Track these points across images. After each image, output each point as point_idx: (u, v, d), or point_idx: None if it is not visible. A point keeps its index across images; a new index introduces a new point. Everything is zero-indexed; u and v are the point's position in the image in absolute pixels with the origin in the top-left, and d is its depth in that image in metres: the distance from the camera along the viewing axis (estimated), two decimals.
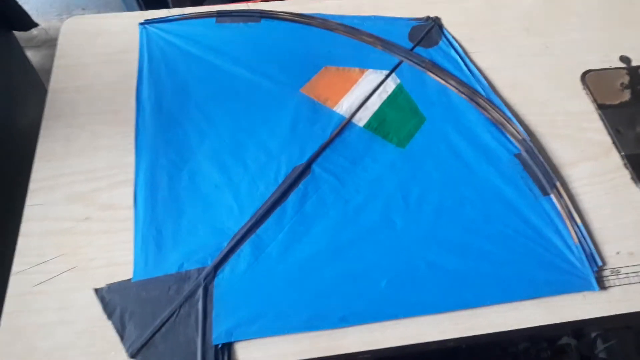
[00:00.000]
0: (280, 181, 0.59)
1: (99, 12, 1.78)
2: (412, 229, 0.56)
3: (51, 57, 0.69)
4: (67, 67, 0.68)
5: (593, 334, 0.71)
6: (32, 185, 0.58)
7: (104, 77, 0.68)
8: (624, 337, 0.73)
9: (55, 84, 0.67)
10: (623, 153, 0.63)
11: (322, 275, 0.53)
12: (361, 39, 0.72)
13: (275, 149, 0.61)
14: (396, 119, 0.65)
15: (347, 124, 0.64)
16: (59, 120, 0.63)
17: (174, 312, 0.50)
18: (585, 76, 0.70)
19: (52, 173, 0.59)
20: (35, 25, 1.52)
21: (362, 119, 0.64)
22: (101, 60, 0.69)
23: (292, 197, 0.58)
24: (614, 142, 0.64)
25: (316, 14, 0.74)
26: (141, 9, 1.31)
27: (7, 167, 0.80)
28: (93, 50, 0.70)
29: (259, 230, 0.55)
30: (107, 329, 0.49)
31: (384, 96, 0.67)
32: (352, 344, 0.50)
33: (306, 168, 0.60)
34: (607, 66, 0.72)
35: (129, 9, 1.34)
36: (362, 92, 0.67)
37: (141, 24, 0.73)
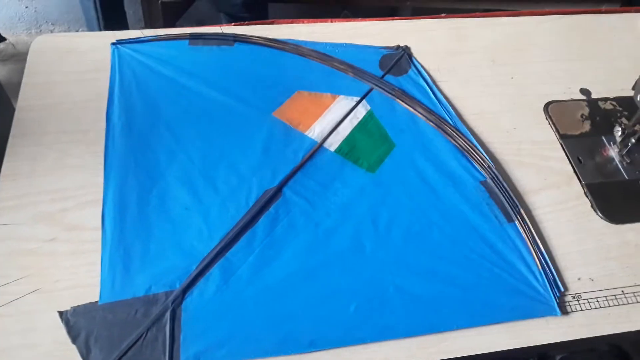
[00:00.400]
0: (251, 204, 0.59)
1: (68, 27, 1.77)
2: (381, 253, 0.57)
3: (18, 72, 0.69)
4: (36, 84, 0.68)
5: (558, 357, 0.73)
6: None
7: (73, 96, 0.67)
8: (586, 359, 0.75)
9: (24, 101, 0.66)
10: (584, 182, 0.65)
11: (292, 299, 0.53)
12: (333, 65, 0.73)
13: (247, 172, 0.62)
14: (366, 145, 0.66)
15: (318, 148, 0.65)
16: (25, 138, 0.62)
17: (140, 336, 0.49)
18: (548, 107, 0.73)
19: (18, 192, 0.58)
20: (3, 39, 1.50)
21: (333, 143, 0.65)
22: (71, 79, 0.69)
23: (263, 220, 0.58)
24: (575, 171, 0.66)
25: (289, 39, 0.75)
26: (99, 26, 1.31)
27: None
28: (63, 69, 0.70)
29: (228, 254, 0.55)
30: (71, 353, 0.48)
31: (355, 122, 0.68)
32: None
33: (277, 191, 0.60)
34: (568, 98, 0.75)
35: (89, 25, 1.34)
36: (333, 118, 0.68)
37: (113, 43, 0.72)
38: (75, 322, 0.49)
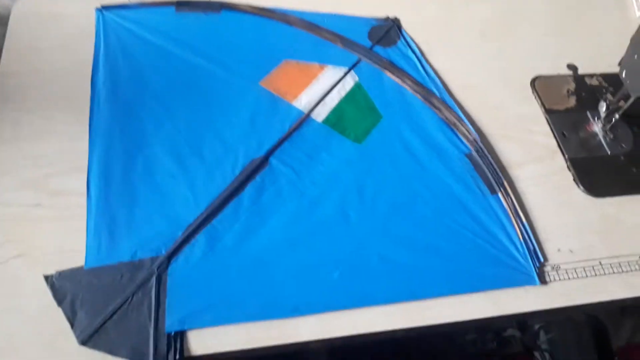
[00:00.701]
0: (237, 173, 0.59)
1: None
2: (365, 222, 0.58)
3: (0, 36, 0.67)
4: (18, 50, 0.67)
5: (536, 326, 0.74)
6: None
7: (57, 62, 0.66)
8: (564, 329, 0.77)
9: (6, 67, 0.65)
10: (567, 156, 0.66)
11: (277, 265, 0.54)
12: (321, 35, 0.72)
13: (233, 141, 0.62)
14: (354, 116, 0.66)
15: (305, 118, 0.65)
16: (8, 103, 0.62)
17: (126, 300, 0.49)
18: (534, 82, 0.73)
19: (0, 157, 0.57)
20: None
21: (320, 114, 0.65)
22: (55, 45, 0.68)
23: (249, 188, 0.58)
24: (559, 146, 0.67)
25: (277, 8, 0.75)
26: None
27: None
28: (46, 34, 0.69)
29: (214, 221, 0.56)
30: (58, 317, 0.48)
31: (343, 93, 0.68)
32: (304, 333, 0.50)
33: (264, 161, 0.60)
34: (555, 73, 0.75)
35: None
36: (321, 88, 0.68)
37: (98, 9, 0.71)
38: (61, 286, 0.50)
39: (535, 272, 0.56)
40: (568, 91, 0.73)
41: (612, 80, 0.74)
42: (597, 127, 0.70)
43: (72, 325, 0.48)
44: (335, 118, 0.65)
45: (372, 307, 0.52)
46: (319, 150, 0.62)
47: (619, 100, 0.67)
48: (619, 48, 0.67)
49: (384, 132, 0.65)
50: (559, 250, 0.59)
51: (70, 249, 0.52)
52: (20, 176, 0.56)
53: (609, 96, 0.73)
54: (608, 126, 0.69)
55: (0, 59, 0.65)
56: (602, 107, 0.69)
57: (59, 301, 0.49)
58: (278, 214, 0.57)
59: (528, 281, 0.55)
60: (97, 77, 0.65)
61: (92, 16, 0.71)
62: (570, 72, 0.75)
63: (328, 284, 0.53)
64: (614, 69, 0.71)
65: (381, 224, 0.58)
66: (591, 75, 0.75)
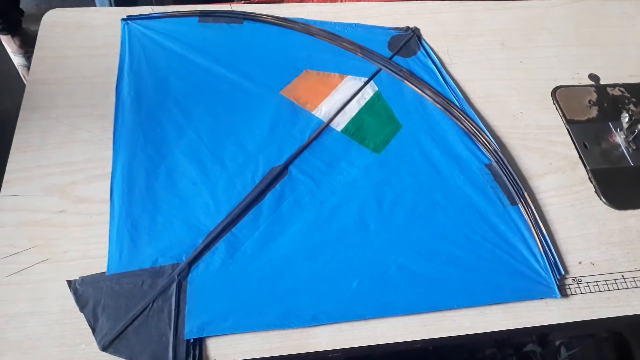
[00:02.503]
0: (257, 181, 0.60)
1: (78, 2, 1.77)
2: (384, 232, 0.58)
3: None
4: (46, 58, 0.68)
5: (557, 342, 0.73)
6: (7, 175, 0.58)
7: (84, 70, 0.68)
8: (586, 345, 0.76)
9: (34, 75, 0.66)
10: (588, 167, 0.65)
11: (296, 274, 0.54)
12: (342, 45, 0.73)
13: (254, 149, 0.62)
14: (373, 125, 0.66)
15: (325, 128, 0.65)
16: (36, 111, 0.63)
17: (147, 307, 0.50)
18: (555, 92, 0.73)
19: (28, 164, 0.59)
20: (22, 13, 1.50)
21: (340, 123, 0.66)
22: (82, 54, 0.69)
23: (269, 197, 0.59)
24: (580, 157, 0.67)
25: (298, 18, 0.76)
26: (110, 2, 1.31)
27: None
28: (74, 43, 0.70)
29: (234, 229, 0.56)
30: (79, 321, 0.49)
31: (362, 102, 0.68)
32: (323, 343, 0.51)
33: (284, 169, 0.61)
34: (576, 83, 0.75)
35: (100, 1, 1.34)
36: (341, 98, 0.68)
37: (123, 19, 0.73)
38: (84, 291, 0.51)
39: (555, 285, 0.55)
40: (589, 102, 0.73)
41: (634, 91, 0.74)
42: (619, 138, 0.69)
43: (93, 331, 0.49)
44: (355, 127, 0.66)
45: (390, 318, 0.52)
46: (338, 160, 0.63)
47: None
48: None
49: (403, 142, 0.65)
50: (580, 262, 0.58)
51: (93, 254, 0.53)
52: (47, 183, 0.58)
53: (632, 107, 0.72)
54: (631, 137, 0.68)
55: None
56: (625, 118, 0.68)
57: (82, 306, 0.50)
58: (297, 223, 0.57)
59: (548, 294, 0.55)
60: (122, 86, 0.66)
61: (118, 26, 0.72)
62: (591, 83, 0.75)
63: (346, 293, 0.53)
64: (637, 79, 0.70)
65: (400, 234, 0.58)
66: (613, 86, 0.75)
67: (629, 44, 0.81)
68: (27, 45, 1.53)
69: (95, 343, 0.48)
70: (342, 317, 0.52)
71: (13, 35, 1.51)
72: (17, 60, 1.54)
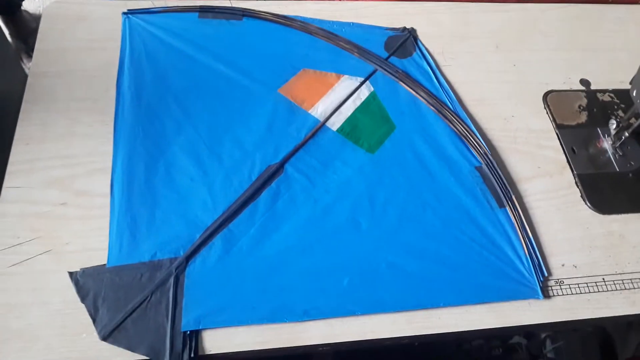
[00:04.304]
0: (254, 178, 0.61)
1: None
2: (375, 230, 0.60)
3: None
4: (48, 51, 0.69)
5: (543, 335, 0.76)
6: (10, 167, 0.59)
7: (84, 63, 0.69)
8: (571, 338, 0.78)
9: (36, 67, 0.68)
10: (576, 172, 0.68)
11: (289, 270, 0.56)
12: (339, 44, 0.74)
13: (251, 147, 0.64)
14: (368, 126, 0.68)
15: (321, 127, 0.67)
16: (37, 104, 0.64)
17: (145, 299, 0.52)
18: (547, 96, 0.74)
19: (30, 157, 0.60)
20: (19, 6, 1.50)
21: (335, 123, 0.67)
22: (83, 47, 0.70)
23: (265, 194, 0.61)
24: (568, 161, 0.69)
25: (297, 16, 0.77)
26: None
27: None
28: (75, 36, 0.71)
29: (231, 225, 0.58)
30: (80, 312, 0.51)
31: (358, 102, 0.70)
32: (313, 337, 0.53)
33: (279, 167, 0.63)
34: (568, 88, 0.76)
35: None
36: (337, 97, 0.70)
37: (124, 13, 0.74)
38: (84, 282, 0.52)
39: (539, 286, 0.58)
40: (580, 107, 0.74)
41: (623, 97, 0.76)
42: (607, 144, 0.71)
43: (94, 321, 0.50)
44: (350, 127, 0.67)
45: (379, 314, 0.55)
46: (332, 159, 0.65)
47: (629, 118, 0.68)
48: (633, 64, 0.68)
49: (396, 143, 0.67)
50: (563, 265, 0.60)
51: (94, 247, 0.55)
52: (48, 175, 0.59)
53: (620, 113, 0.74)
54: (618, 143, 0.70)
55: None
56: (612, 125, 0.70)
57: (82, 297, 0.52)
58: (291, 220, 0.59)
59: (531, 294, 0.57)
60: (122, 80, 0.67)
61: (119, 19, 0.73)
62: (582, 88, 0.77)
63: (337, 290, 0.55)
64: (627, 85, 0.72)
65: (391, 233, 0.60)
66: (603, 91, 0.76)
67: (620, 50, 0.82)
68: (24, 30, 1.53)
69: (95, 333, 0.50)
70: (332, 312, 0.54)
71: (9, 19, 1.51)
72: (14, 44, 1.54)
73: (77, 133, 0.63)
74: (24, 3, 1.58)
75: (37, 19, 1.74)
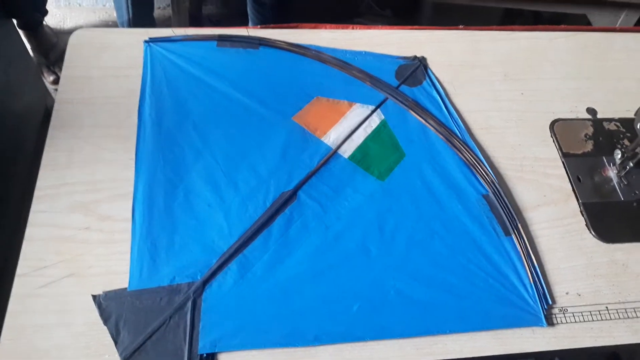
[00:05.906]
0: (268, 205, 0.64)
1: (95, 1, 1.81)
2: (385, 257, 0.62)
3: None
4: (74, 78, 0.73)
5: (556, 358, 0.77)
6: (38, 192, 0.62)
7: (108, 91, 0.72)
8: (580, 357, 0.79)
9: (62, 94, 0.71)
10: (581, 200, 0.69)
11: (301, 296, 0.58)
12: (351, 73, 0.77)
13: (265, 174, 0.66)
14: (378, 153, 0.70)
15: (333, 154, 0.69)
16: (64, 130, 0.67)
17: (164, 322, 0.55)
18: (554, 125, 0.76)
19: (56, 182, 0.63)
20: (45, 12, 1.56)
21: (347, 150, 0.70)
22: (107, 74, 0.74)
23: (278, 220, 0.63)
24: (573, 190, 0.71)
25: (311, 45, 0.80)
26: (127, 9, 1.36)
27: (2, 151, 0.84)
28: (99, 64, 0.74)
29: (246, 250, 0.61)
30: (102, 333, 0.54)
31: (369, 130, 0.72)
32: None
33: (293, 194, 0.65)
34: (574, 116, 0.78)
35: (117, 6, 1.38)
36: (349, 125, 0.72)
37: (146, 41, 0.77)
38: (107, 305, 0.55)
39: (543, 314, 0.59)
40: (586, 135, 0.76)
41: (629, 126, 0.77)
42: (612, 173, 0.73)
43: (115, 343, 0.53)
44: (361, 155, 0.70)
45: (386, 340, 0.57)
46: (344, 186, 0.67)
47: (634, 149, 0.70)
48: (639, 92, 0.70)
49: (406, 170, 0.69)
50: (567, 293, 0.62)
51: (116, 270, 0.58)
52: (73, 200, 0.62)
53: (626, 142, 0.76)
54: (623, 172, 0.72)
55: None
56: (618, 154, 0.72)
57: (105, 320, 0.54)
58: (304, 246, 0.62)
59: (535, 322, 0.59)
60: (144, 107, 0.70)
61: (141, 47, 0.76)
62: (589, 116, 0.78)
63: (347, 316, 0.58)
64: (633, 114, 0.74)
65: (399, 260, 0.62)
66: (609, 120, 0.78)
67: (628, 78, 0.84)
68: (45, 44, 1.58)
69: (117, 354, 0.53)
70: (342, 338, 0.56)
71: (32, 34, 1.56)
72: (36, 58, 1.58)
73: (100, 159, 0.66)
74: (45, 18, 1.63)
75: (57, 34, 1.79)
